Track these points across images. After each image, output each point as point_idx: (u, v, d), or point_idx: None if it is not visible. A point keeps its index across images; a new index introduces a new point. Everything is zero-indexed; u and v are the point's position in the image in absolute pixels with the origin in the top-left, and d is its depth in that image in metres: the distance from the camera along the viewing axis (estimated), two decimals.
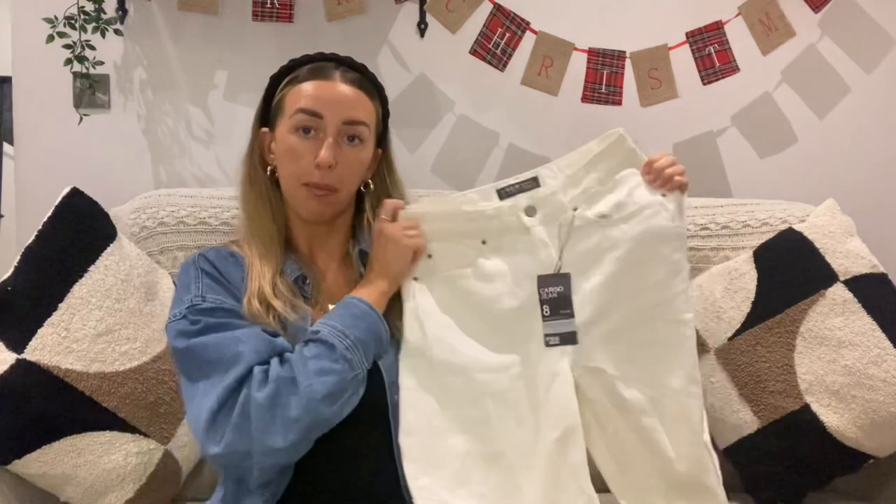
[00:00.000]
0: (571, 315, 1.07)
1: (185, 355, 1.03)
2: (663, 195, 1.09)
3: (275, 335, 1.04)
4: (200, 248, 1.17)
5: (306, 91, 1.11)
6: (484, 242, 1.11)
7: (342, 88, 1.12)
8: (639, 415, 1.06)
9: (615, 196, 1.09)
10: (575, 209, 1.10)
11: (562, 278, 1.08)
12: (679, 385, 1.06)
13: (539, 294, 1.08)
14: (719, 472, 1.07)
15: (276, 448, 0.96)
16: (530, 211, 1.11)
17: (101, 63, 1.62)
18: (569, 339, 1.06)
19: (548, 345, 1.06)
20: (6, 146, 3.03)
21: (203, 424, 0.97)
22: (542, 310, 1.07)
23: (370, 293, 1.08)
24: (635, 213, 1.08)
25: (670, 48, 1.61)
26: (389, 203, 1.13)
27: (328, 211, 1.15)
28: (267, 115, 1.17)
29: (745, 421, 1.40)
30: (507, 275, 1.10)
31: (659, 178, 1.10)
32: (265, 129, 1.17)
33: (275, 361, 1.00)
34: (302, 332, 1.06)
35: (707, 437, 1.07)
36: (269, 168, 1.16)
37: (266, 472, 1.00)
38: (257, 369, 0.99)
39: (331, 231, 1.19)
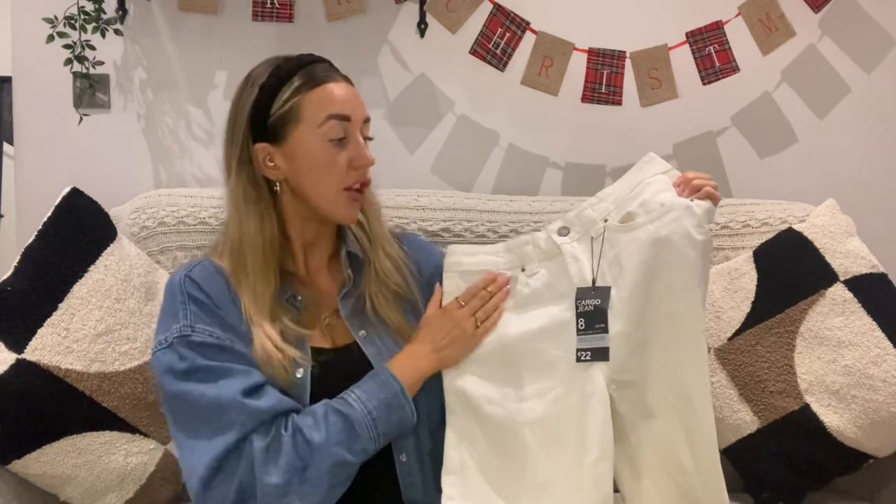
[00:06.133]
0: (605, 330, 1.05)
1: (173, 400, 1.00)
2: (691, 200, 1.06)
3: (261, 384, 1.00)
4: (184, 265, 1.11)
5: (330, 96, 1.07)
6: (523, 270, 1.11)
7: (350, 88, 1.11)
8: (662, 424, 1.04)
9: (641, 196, 1.08)
10: (605, 220, 1.09)
11: (600, 291, 1.06)
12: (699, 397, 1.03)
13: (576, 306, 1.06)
14: None
15: None
16: (563, 231, 1.11)
17: (101, 63, 1.62)
18: (600, 355, 1.04)
19: (579, 359, 1.05)
20: (6, 146, 3.03)
21: (196, 489, 0.96)
22: (578, 323, 1.06)
23: (412, 375, 1.05)
24: (661, 214, 1.05)
25: (670, 48, 1.61)
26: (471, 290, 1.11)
27: (359, 210, 1.14)
28: (260, 128, 1.08)
29: (745, 421, 1.40)
30: (542, 299, 1.09)
31: (688, 188, 1.07)
32: (262, 144, 1.07)
33: (286, 442, 0.96)
34: (304, 356, 1.04)
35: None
36: (276, 183, 1.09)
37: None
38: (259, 445, 0.95)
39: (324, 232, 1.16)
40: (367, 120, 1.11)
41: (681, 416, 1.04)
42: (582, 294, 1.06)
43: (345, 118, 1.07)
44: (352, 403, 1.00)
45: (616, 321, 1.05)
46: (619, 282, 1.06)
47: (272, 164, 1.08)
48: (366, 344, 1.10)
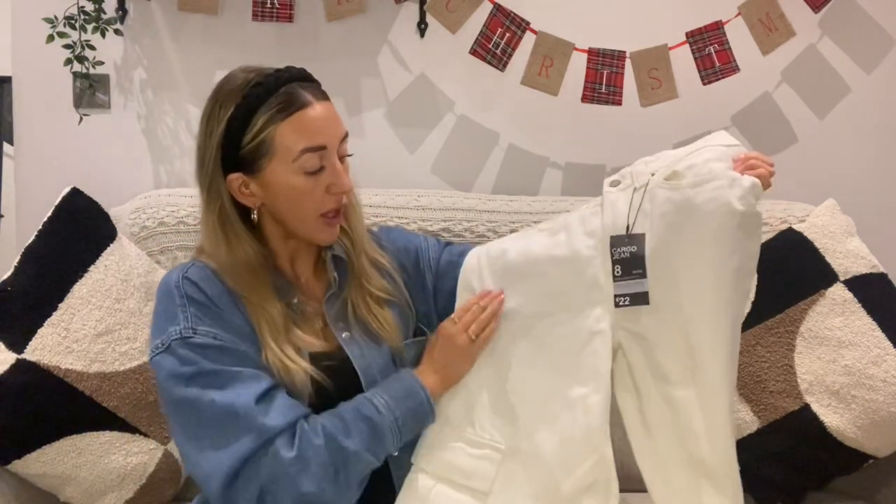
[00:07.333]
0: (644, 275, 1.06)
1: (180, 406, 0.98)
2: (741, 174, 1.05)
3: (271, 387, 1.00)
4: (179, 265, 1.08)
5: (304, 125, 1.02)
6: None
7: (325, 107, 1.05)
8: (674, 386, 1.05)
9: (693, 159, 1.08)
10: (652, 174, 1.09)
11: (634, 238, 1.07)
12: (713, 365, 1.04)
13: (611, 254, 1.08)
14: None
15: None
16: (614, 183, 1.13)
17: (101, 63, 1.62)
18: (640, 299, 1.06)
19: (618, 305, 1.07)
20: (6, 146, 3.03)
21: (216, 492, 0.96)
22: (614, 270, 1.07)
23: (434, 386, 1.09)
24: (705, 180, 1.04)
25: (670, 48, 1.61)
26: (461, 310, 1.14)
27: (338, 230, 1.12)
28: (232, 159, 1.04)
29: (745, 421, 1.40)
30: (572, 228, 1.12)
31: (743, 165, 1.06)
32: (235, 175, 1.04)
33: (320, 450, 0.97)
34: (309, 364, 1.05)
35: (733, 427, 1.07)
36: (253, 210, 1.07)
37: None
38: (288, 456, 0.96)
39: (307, 243, 1.14)
40: (344, 137, 1.07)
41: (695, 381, 1.05)
42: (617, 242, 1.08)
43: (320, 148, 1.03)
44: (380, 409, 1.03)
45: None
46: (647, 236, 1.07)
47: (247, 190, 1.06)
48: (349, 346, 1.10)
